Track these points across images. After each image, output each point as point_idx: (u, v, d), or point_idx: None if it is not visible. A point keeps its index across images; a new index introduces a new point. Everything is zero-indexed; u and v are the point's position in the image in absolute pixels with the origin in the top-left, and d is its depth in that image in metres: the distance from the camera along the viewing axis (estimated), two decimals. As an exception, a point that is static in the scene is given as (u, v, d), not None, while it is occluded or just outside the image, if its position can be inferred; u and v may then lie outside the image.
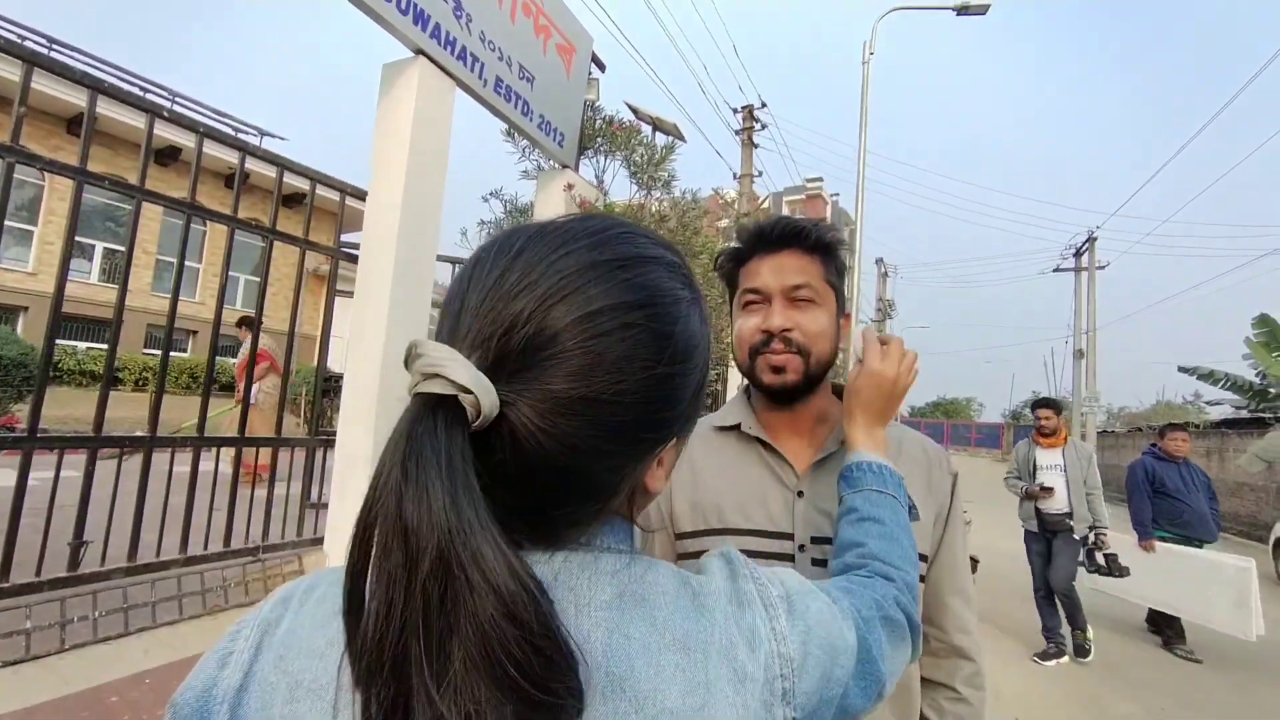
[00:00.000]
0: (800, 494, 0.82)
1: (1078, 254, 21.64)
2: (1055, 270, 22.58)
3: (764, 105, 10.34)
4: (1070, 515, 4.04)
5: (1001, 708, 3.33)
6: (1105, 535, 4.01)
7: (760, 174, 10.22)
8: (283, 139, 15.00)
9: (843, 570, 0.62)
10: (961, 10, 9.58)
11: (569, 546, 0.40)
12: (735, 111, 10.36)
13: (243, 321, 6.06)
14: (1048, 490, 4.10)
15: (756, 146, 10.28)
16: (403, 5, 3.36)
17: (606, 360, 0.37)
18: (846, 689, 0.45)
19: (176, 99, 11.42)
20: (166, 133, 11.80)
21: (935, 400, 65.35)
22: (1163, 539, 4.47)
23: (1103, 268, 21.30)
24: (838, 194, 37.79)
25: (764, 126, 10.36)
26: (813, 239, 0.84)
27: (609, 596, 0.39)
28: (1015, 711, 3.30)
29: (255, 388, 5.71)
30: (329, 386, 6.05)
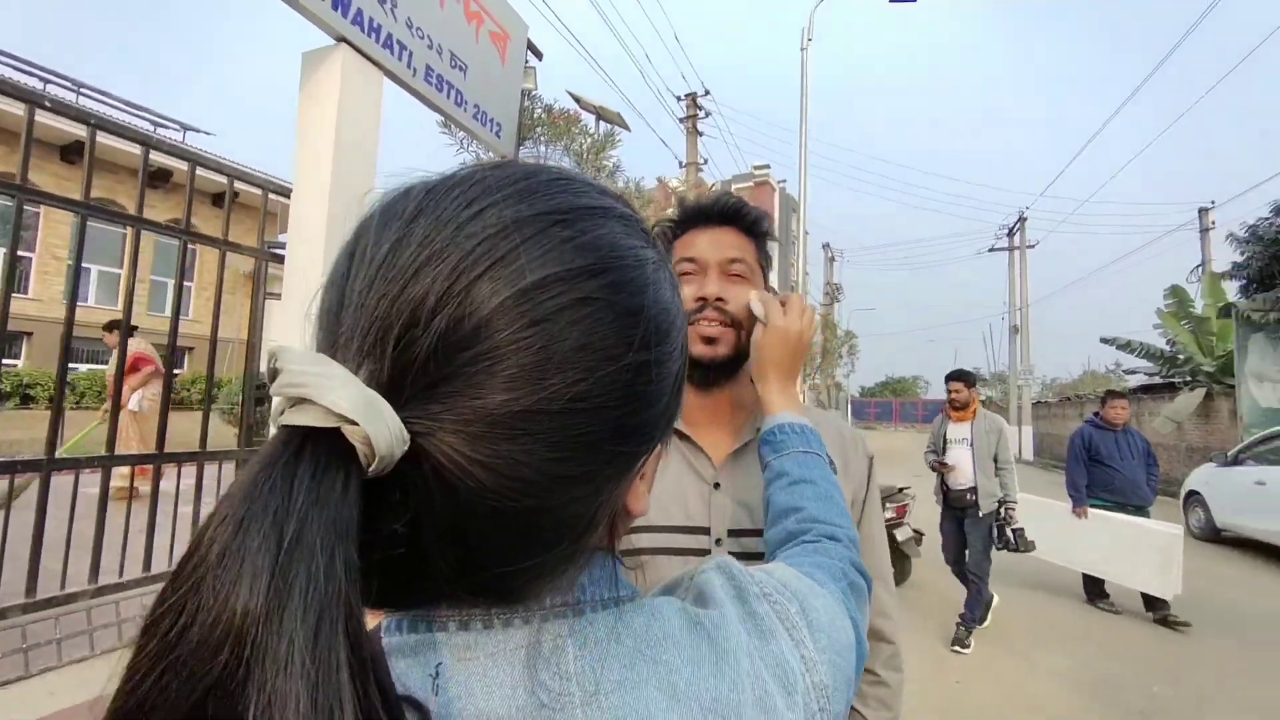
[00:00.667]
0: (717, 485, 0.81)
1: (1010, 234, 22.77)
2: (991, 250, 23.72)
3: (707, 93, 10.38)
4: (974, 491, 3.95)
5: (944, 673, 3.50)
6: (1014, 510, 3.99)
7: (706, 162, 10.30)
8: (209, 134, 14.17)
9: (786, 538, 0.59)
10: (893, -1, 9.83)
11: (543, 609, 0.32)
12: (679, 99, 10.37)
13: (111, 325, 5.52)
14: (947, 466, 4.09)
15: (701, 134, 10.33)
16: (319, -11, 3.18)
17: (558, 353, 0.27)
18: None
19: (82, 91, 10.60)
20: (72, 129, 10.95)
21: (884, 380, 67.91)
22: (1098, 506, 4.60)
23: (1033, 246, 22.52)
24: (784, 180, 38.44)
25: (708, 114, 10.42)
26: (750, 219, 0.85)
27: (617, 673, 0.30)
28: (956, 676, 3.47)
29: (138, 395, 5.34)
30: (262, 394, 5.77)
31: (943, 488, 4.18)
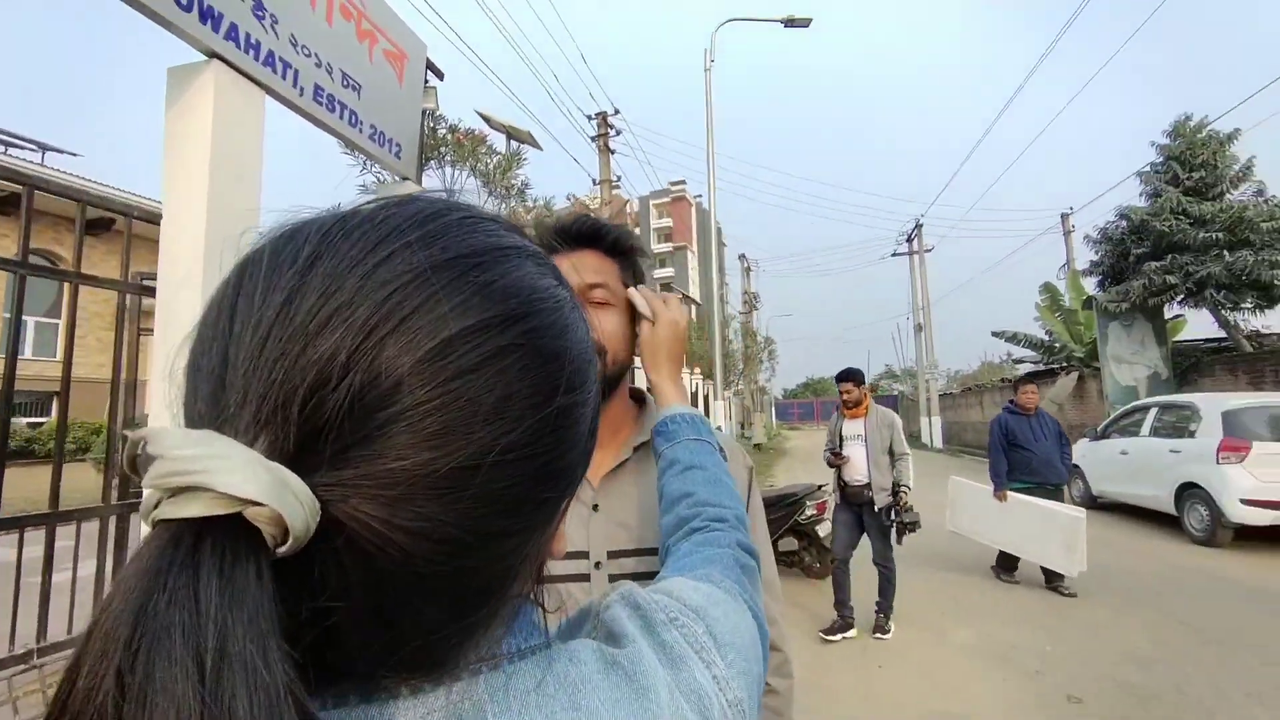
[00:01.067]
0: (595, 507, 0.80)
1: (909, 240, 24.54)
2: (894, 255, 25.43)
3: (617, 112, 10.59)
4: (869, 487, 4.03)
5: (868, 659, 3.67)
6: (906, 495, 4.02)
7: (620, 179, 10.46)
8: (72, 154, 12.86)
9: (678, 523, 0.61)
10: (789, 23, 10.47)
11: (464, 672, 0.29)
12: (589, 119, 10.50)
13: None
14: (841, 457, 4.18)
15: (613, 152, 10.49)
16: (184, 1, 2.99)
17: (482, 407, 0.26)
18: None
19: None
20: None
21: (804, 381, 71.16)
22: (1020, 488, 4.90)
23: (930, 250, 24.35)
24: (700, 195, 39.68)
25: (619, 133, 10.62)
26: (610, 240, 0.82)
27: (565, 711, 0.29)
28: (879, 661, 3.64)
29: None
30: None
31: (840, 483, 4.27)
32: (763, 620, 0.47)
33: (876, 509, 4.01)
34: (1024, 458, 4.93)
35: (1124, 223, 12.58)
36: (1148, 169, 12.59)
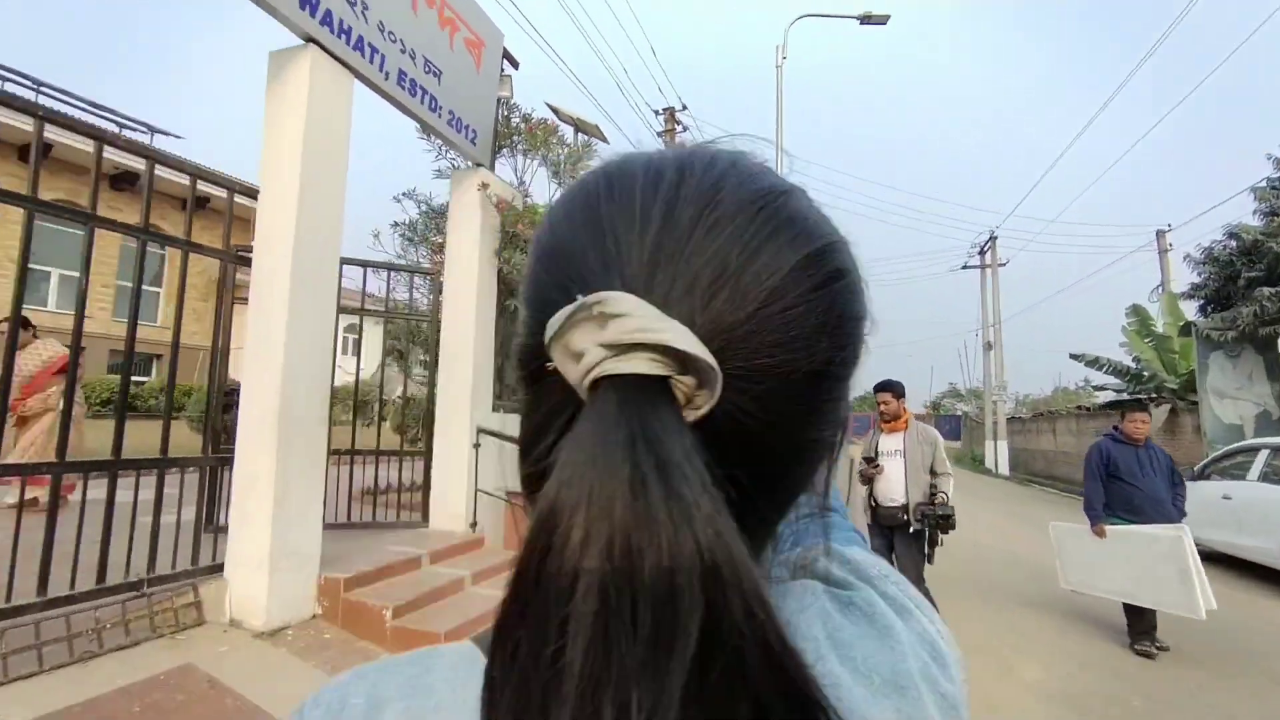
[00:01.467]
0: None
1: (981, 252, 23.31)
2: (964, 268, 24.24)
3: (685, 108, 10.52)
4: (904, 509, 3.75)
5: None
6: (943, 497, 3.73)
7: (685, 176, 10.29)
8: (177, 136, 13.82)
9: None
10: (865, 20, 10.09)
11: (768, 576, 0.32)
12: (657, 114, 10.47)
13: (23, 323, 4.50)
14: (876, 466, 3.90)
15: (680, 149, 10.33)
16: (286, -13, 3.13)
17: (829, 320, 0.28)
18: None
19: (43, 90, 10.29)
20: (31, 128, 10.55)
21: (862, 395, 69.09)
22: (1119, 524, 4.16)
23: (1004, 265, 23.06)
24: (764, 198, 39.19)
25: (685, 129, 10.54)
26: None
27: (823, 636, 0.30)
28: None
29: (39, 398, 4.69)
30: (230, 401, 5.59)
31: (871, 502, 3.91)
32: None
33: (911, 531, 3.72)
34: (1126, 493, 4.16)
35: (1233, 242, 11.50)
36: (1263, 184, 11.43)
